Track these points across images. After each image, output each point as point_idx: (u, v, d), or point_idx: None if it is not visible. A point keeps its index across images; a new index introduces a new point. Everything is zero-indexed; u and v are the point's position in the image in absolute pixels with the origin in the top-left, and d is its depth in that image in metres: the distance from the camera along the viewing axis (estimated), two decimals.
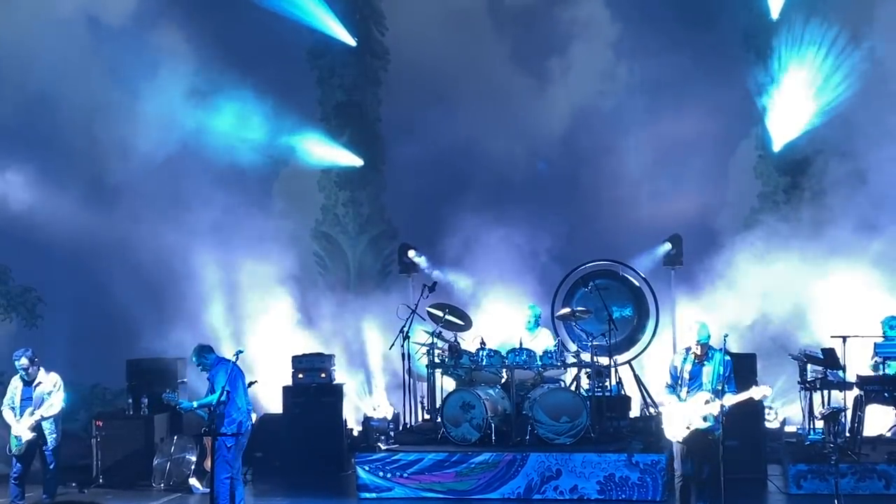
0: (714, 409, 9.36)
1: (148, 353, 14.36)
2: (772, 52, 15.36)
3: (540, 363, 12.50)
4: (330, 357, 14.19)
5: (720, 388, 9.40)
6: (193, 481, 12.59)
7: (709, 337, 9.61)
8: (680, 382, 9.62)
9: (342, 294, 16.43)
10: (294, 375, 13.91)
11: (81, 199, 15.05)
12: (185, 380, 14.19)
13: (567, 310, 13.60)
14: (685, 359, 9.65)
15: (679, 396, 9.61)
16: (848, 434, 11.80)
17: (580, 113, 15.54)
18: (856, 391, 11.89)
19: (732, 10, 15.62)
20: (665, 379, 9.84)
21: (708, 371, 9.50)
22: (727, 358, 9.62)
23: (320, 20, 16.38)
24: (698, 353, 9.56)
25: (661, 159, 15.47)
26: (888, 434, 12.43)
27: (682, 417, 9.51)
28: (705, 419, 9.42)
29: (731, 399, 9.38)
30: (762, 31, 15.56)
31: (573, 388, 13.00)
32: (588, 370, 12.86)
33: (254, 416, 10.78)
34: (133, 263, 14.91)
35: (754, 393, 9.31)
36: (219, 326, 14.76)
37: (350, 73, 16.89)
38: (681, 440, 9.60)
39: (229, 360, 10.30)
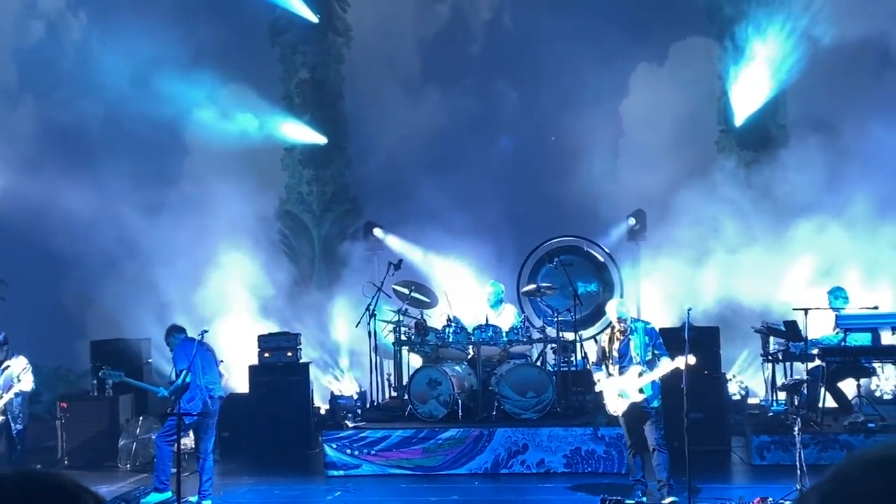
0: (648, 379, 9.53)
1: (112, 334, 14.27)
2: (734, 26, 15.42)
3: (506, 339, 12.55)
4: (296, 336, 14.16)
5: (650, 357, 9.61)
6: None
7: (626, 312, 9.87)
8: (611, 361, 9.79)
9: (307, 272, 16.41)
10: (260, 355, 13.87)
11: (39, 177, 14.87)
12: (150, 360, 14.13)
13: (532, 286, 13.66)
14: (611, 338, 9.83)
15: (608, 372, 9.79)
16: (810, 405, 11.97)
17: (544, 89, 15.55)
18: (817, 362, 12.05)
19: None
20: (593, 358, 10.10)
21: (634, 344, 9.70)
22: (650, 326, 9.92)
23: None
24: (621, 329, 9.77)
25: (625, 135, 15.54)
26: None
27: (619, 391, 9.70)
28: (642, 391, 9.61)
29: (660, 371, 9.54)
30: (725, 4, 15.62)
31: (539, 363, 13.07)
32: (554, 345, 12.94)
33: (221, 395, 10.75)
34: (96, 243, 14.77)
35: (679, 363, 9.43)
36: (183, 306, 14.65)
37: (313, 50, 16.76)
38: (621, 414, 9.79)
39: (195, 341, 10.27)
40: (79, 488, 1.72)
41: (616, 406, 9.80)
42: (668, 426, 9.93)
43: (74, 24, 16.06)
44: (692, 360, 9.36)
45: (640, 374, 9.60)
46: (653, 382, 9.64)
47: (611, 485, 10.72)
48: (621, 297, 14.20)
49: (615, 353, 9.78)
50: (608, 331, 10.06)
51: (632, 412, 9.75)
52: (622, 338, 9.77)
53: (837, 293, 12.48)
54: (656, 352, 9.70)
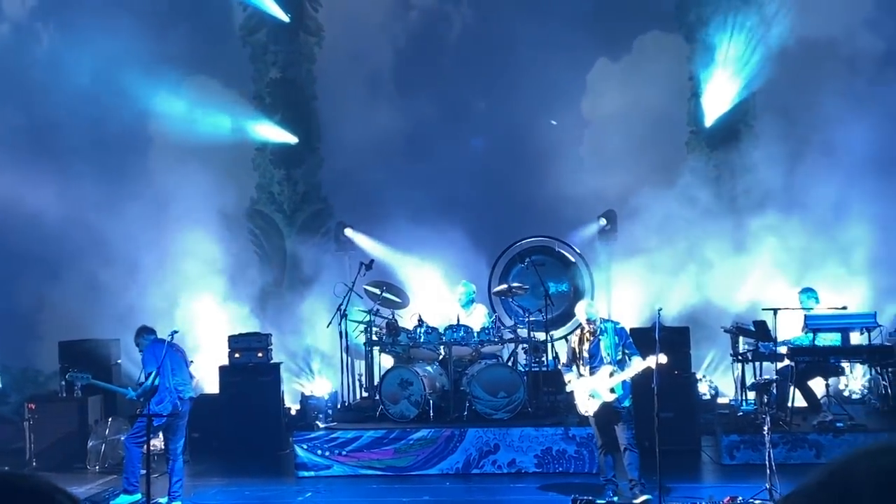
0: (619, 379, 9.57)
1: (81, 335, 14.15)
2: (704, 27, 15.50)
3: (477, 339, 12.55)
4: (267, 336, 14.09)
5: (621, 357, 9.65)
6: None
7: (596, 313, 9.91)
8: (581, 361, 9.82)
9: (278, 272, 16.34)
10: (230, 355, 13.79)
11: (7, 176, 14.72)
12: (119, 361, 14.02)
13: (504, 286, 13.68)
14: (581, 338, 9.86)
15: (579, 373, 9.82)
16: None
17: (516, 89, 15.57)
18: (787, 362, 12.14)
19: None
20: (564, 359, 10.14)
21: (605, 344, 9.74)
22: (619, 326, 9.99)
23: None
24: (590, 329, 9.80)
25: (596, 136, 15.58)
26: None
27: (589, 392, 9.73)
28: (613, 391, 9.64)
29: (630, 371, 9.59)
30: (695, 6, 15.70)
31: (510, 363, 13.09)
32: (525, 345, 12.96)
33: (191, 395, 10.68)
34: (63, 243, 14.65)
35: (650, 362, 9.47)
36: (153, 306, 14.53)
37: (284, 49, 16.67)
38: (592, 414, 9.82)
39: (164, 342, 10.21)
40: (54, 489, 1.71)
41: (587, 406, 9.83)
42: (638, 426, 9.98)
43: (40, 26, 15.89)
44: (663, 359, 9.41)
45: (611, 375, 9.64)
46: (623, 382, 9.68)
47: (582, 484, 10.76)
48: (592, 297, 14.24)
49: (585, 354, 9.82)
50: (578, 331, 10.09)
51: (603, 412, 9.78)
52: (592, 338, 9.80)
53: (809, 293, 12.59)
54: (627, 351, 9.74)
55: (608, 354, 9.70)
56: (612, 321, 10.13)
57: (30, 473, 1.76)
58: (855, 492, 1.53)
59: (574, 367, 9.92)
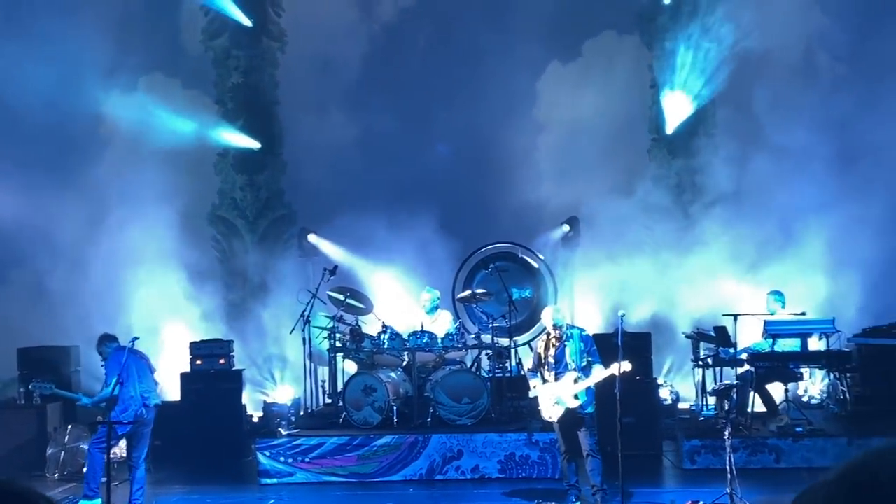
0: (583, 385, 9.61)
1: (32, 342, 13.98)
2: (665, 36, 15.65)
3: (441, 345, 12.57)
4: (229, 343, 14.02)
5: (585, 363, 9.69)
6: None
7: (562, 319, 9.92)
8: (546, 367, 9.86)
9: (241, 279, 16.24)
10: (192, 362, 13.70)
11: None
12: (79, 368, 13.88)
13: (468, 292, 13.71)
14: (547, 344, 9.89)
15: (543, 379, 9.86)
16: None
17: (478, 97, 15.61)
18: (747, 367, 12.25)
19: None
20: (529, 364, 10.18)
21: (570, 350, 9.77)
22: (585, 333, 10.01)
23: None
24: (557, 335, 9.83)
25: (560, 142, 15.64)
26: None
27: (554, 398, 9.76)
28: (577, 397, 9.68)
29: (594, 378, 9.63)
30: (657, 14, 15.84)
31: (474, 369, 13.11)
32: (489, 351, 12.99)
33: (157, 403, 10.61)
34: (12, 246, 14.49)
35: (613, 369, 9.52)
36: (113, 313, 14.40)
37: (246, 54, 16.59)
38: (556, 420, 9.86)
39: (126, 349, 10.14)
40: (39, 495, 1.70)
41: (551, 412, 9.87)
42: (601, 431, 10.03)
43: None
44: (627, 366, 9.47)
45: (576, 381, 9.68)
46: (587, 389, 9.72)
47: (545, 490, 10.82)
48: (556, 303, 14.30)
49: (551, 360, 9.85)
50: (543, 337, 10.11)
51: (566, 418, 9.82)
52: (558, 344, 9.84)
53: (777, 296, 12.72)
54: (590, 359, 9.78)
55: (573, 361, 9.74)
56: (578, 328, 10.15)
57: (8, 478, 1.75)
58: (873, 488, 1.53)
59: (539, 373, 9.96)
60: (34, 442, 12.90)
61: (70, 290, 14.63)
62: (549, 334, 9.94)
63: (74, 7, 14.83)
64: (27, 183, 14.55)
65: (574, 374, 9.69)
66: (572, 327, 10.07)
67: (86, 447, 12.46)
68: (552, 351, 9.85)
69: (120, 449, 11.13)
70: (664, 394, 14.00)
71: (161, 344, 14.29)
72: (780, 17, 14.73)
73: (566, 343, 9.80)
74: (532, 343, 10.96)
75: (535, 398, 10.13)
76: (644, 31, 15.95)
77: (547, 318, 9.98)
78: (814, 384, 13.92)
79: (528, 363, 10.29)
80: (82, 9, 14.88)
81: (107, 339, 10.47)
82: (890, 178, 14.13)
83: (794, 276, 14.09)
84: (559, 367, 9.80)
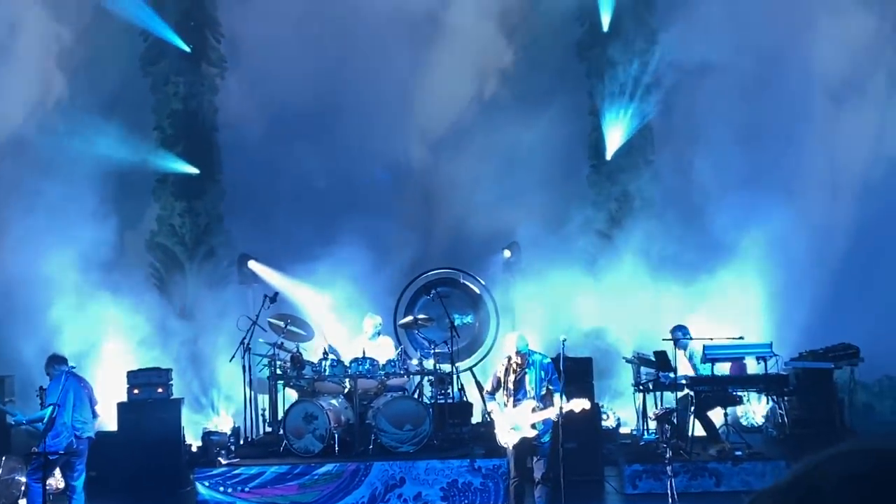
0: (541, 416, 9.55)
1: None
2: (604, 63, 15.83)
3: (383, 372, 12.49)
4: (167, 371, 13.79)
5: (545, 392, 9.64)
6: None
7: (527, 345, 9.79)
8: (506, 392, 9.75)
9: (179, 306, 16.01)
10: (129, 391, 13.45)
11: None
12: (12, 399, 13.54)
13: (409, 318, 13.67)
14: (507, 369, 9.82)
15: (503, 404, 9.76)
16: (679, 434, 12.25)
17: (420, 121, 15.64)
18: (687, 391, 12.34)
19: (566, 22, 16.03)
20: (489, 388, 10.08)
21: (530, 378, 9.66)
22: (546, 361, 9.83)
23: (152, 25, 15.96)
24: (519, 361, 9.69)
25: (501, 169, 15.71)
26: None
27: (511, 424, 9.68)
28: (534, 426, 9.60)
29: (554, 411, 9.53)
30: (596, 44, 16.03)
31: (416, 395, 13.06)
32: (431, 377, 12.95)
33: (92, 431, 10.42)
34: None
35: (574, 405, 9.49)
36: (50, 341, 14.09)
37: (185, 80, 16.45)
38: (511, 446, 9.78)
39: (69, 375, 9.97)
40: None
41: (507, 438, 9.74)
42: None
43: None
44: (587, 404, 9.48)
45: (534, 410, 9.55)
46: (545, 419, 9.63)
47: None
48: (497, 328, 14.35)
49: (510, 385, 9.67)
50: (504, 361, 9.88)
51: (521, 445, 9.68)
52: (518, 371, 9.69)
53: (683, 331, 12.65)
54: (551, 387, 9.66)
55: (532, 388, 9.61)
56: (540, 354, 9.94)
57: None
58: (820, 493, 1.53)
59: (496, 397, 9.88)
60: None
61: (22, 321, 14.30)
62: (509, 359, 9.77)
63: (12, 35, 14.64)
64: None
65: (533, 403, 9.55)
66: (534, 353, 9.88)
67: (21, 479, 12.19)
68: (512, 376, 9.67)
69: (56, 480, 10.89)
70: (606, 419, 14.05)
71: (95, 373, 14.00)
72: (712, 34, 14.74)
73: (527, 370, 9.70)
74: (473, 369, 10.90)
75: (492, 422, 10.03)
76: (584, 58, 16.13)
77: (510, 343, 9.77)
78: (758, 407, 14.06)
79: (487, 385, 10.16)
80: (19, 37, 14.67)
81: (55, 361, 10.30)
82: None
83: (736, 296, 14.27)
84: (518, 394, 9.65)
